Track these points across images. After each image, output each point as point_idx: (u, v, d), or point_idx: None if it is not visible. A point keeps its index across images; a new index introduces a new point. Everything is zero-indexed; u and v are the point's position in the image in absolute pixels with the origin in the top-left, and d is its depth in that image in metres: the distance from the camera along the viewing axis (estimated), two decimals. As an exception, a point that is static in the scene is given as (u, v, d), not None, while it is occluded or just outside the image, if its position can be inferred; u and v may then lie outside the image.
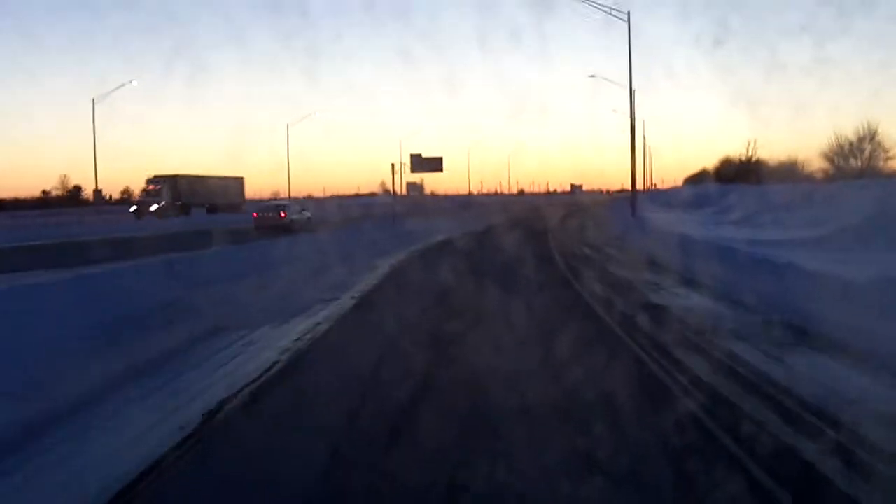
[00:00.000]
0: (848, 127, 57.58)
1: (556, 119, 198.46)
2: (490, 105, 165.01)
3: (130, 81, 43.95)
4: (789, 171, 44.00)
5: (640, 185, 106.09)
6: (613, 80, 48.62)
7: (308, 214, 31.53)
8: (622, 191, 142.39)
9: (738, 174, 60.09)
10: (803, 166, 47.22)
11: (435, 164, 74.05)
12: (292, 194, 60.42)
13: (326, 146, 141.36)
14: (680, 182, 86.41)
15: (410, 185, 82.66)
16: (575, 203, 75.36)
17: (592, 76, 59.91)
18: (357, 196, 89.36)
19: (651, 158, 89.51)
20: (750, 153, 57.88)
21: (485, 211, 50.26)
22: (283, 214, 29.11)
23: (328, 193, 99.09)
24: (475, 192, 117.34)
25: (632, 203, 29.37)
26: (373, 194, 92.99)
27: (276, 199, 43.36)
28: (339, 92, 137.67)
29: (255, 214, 30.39)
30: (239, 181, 66.49)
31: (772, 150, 58.78)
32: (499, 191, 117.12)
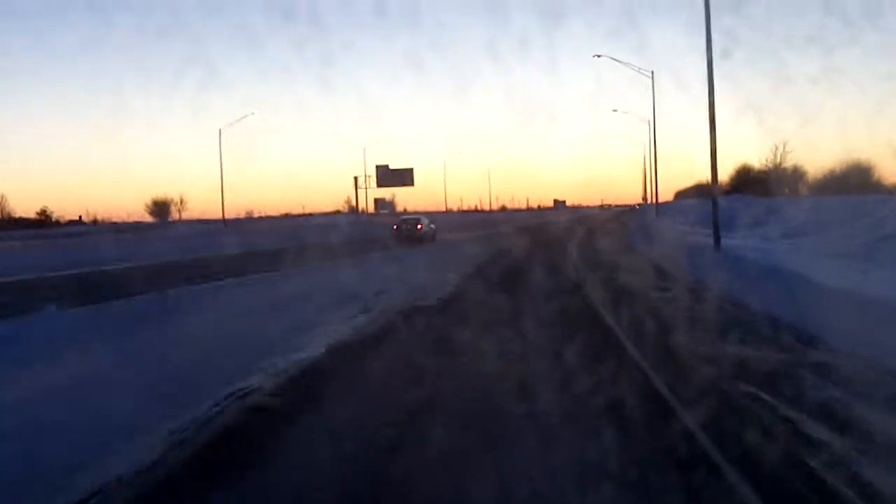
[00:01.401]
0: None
1: (538, 132, 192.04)
2: (469, 117, 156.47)
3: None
4: (856, 178, 35.30)
5: (638, 199, 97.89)
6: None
7: (433, 227, 34.65)
8: (615, 206, 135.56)
9: (756, 184, 52.23)
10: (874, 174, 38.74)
11: (405, 177, 65.08)
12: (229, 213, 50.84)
13: (286, 158, 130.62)
14: (671, 196, 79.49)
15: (379, 202, 73.33)
16: (584, 222, 60.01)
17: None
18: (307, 216, 79.23)
19: (654, 174, 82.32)
20: (778, 159, 49.43)
21: (464, 236, 36.81)
22: (419, 227, 32.18)
23: (280, 212, 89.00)
24: (454, 208, 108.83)
25: (714, 229, 19.35)
26: (336, 212, 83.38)
27: (412, 214, 49.68)
28: (297, 102, 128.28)
29: (394, 227, 33.27)
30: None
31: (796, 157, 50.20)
32: (479, 207, 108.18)
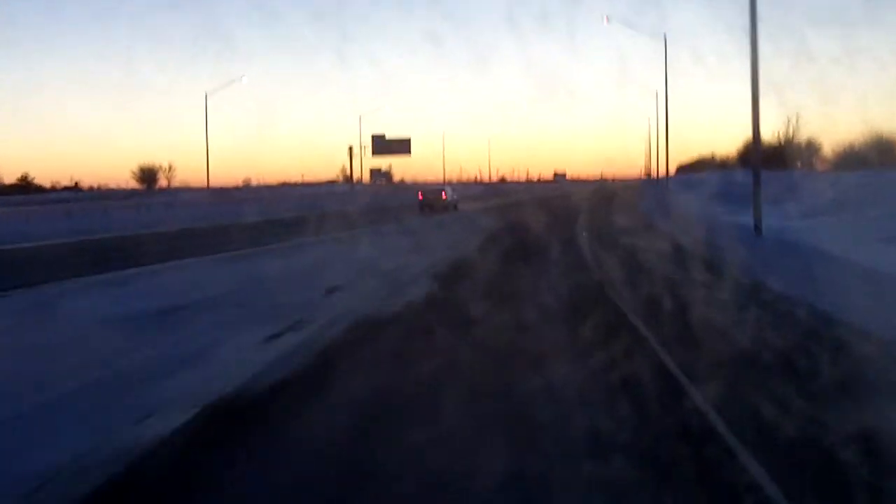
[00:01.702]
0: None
1: (536, 104, 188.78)
2: (469, 88, 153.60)
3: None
4: (878, 153, 33.55)
5: (639, 173, 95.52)
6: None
7: (456, 196, 34.95)
8: (615, 179, 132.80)
9: (768, 159, 50.34)
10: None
11: (401, 147, 62.73)
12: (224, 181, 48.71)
13: (284, 127, 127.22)
14: (672, 171, 77.03)
15: (375, 172, 71.08)
16: (597, 194, 54.41)
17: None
18: (304, 185, 76.95)
19: (665, 145, 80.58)
20: (791, 132, 47.55)
21: (471, 208, 33.96)
22: (444, 196, 32.60)
23: (276, 180, 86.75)
24: (454, 179, 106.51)
25: (755, 209, 16.30)
26: (332, 182, 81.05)
27: (437, 184, 51.59)
28: (300, 71, 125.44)
29: (420, 196, 33.47)
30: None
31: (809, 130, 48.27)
32: (479, 178, 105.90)
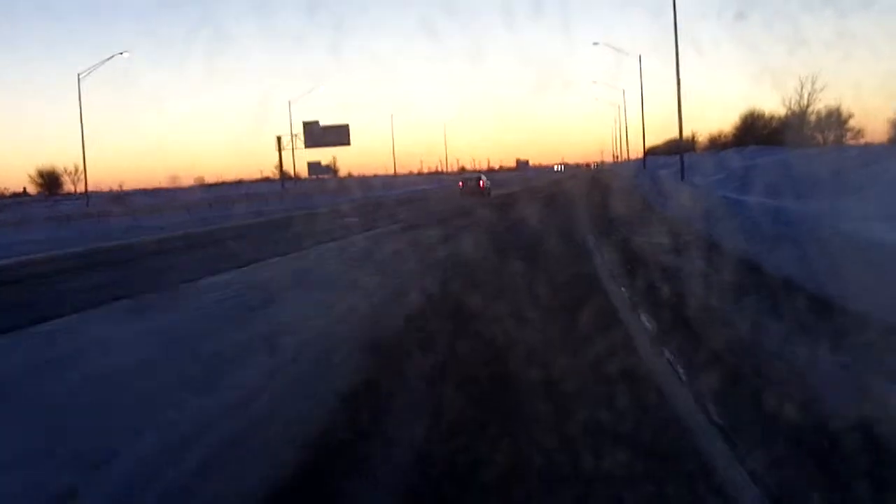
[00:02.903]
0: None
1: (491, 89, 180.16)
2: (413, 72, 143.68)
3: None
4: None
5: (599, 158, 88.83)
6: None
7: (489, 184, 36.66)
8: (597, 163, 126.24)
9: (770, 135, 42.54)
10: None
11: (339, 136, 53.42)
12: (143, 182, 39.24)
13: (210, 120, 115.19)
14: (640, 154, 70.41)
15: (314, 166, 61.56)
16: (580, 181, 48.88)
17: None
18: (225, 184, 66.69)
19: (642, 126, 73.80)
20: (805, 100, 39.36)
21: (428, 213, 24.04)
22: (481, 184, 34.66)
23: (203, 180, 76.39)
24: (412, 171, 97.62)
25: None
26: (266, 179, 71.18)
27: (475, 172, 58.28)
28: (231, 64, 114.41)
29: (460, 184, 35.94)
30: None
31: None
32: (440, 169, 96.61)
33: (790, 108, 40.19)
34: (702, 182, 21.50)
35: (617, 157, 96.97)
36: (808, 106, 40.07)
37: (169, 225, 23.58)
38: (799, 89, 40.15)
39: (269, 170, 75.57)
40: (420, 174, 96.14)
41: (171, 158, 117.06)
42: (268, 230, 19.96)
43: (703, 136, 63.52)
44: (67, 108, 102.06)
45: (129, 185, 67.43)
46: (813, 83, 39.86)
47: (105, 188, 65.49)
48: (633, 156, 72.83)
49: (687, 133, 66.48)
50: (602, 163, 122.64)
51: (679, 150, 30.14)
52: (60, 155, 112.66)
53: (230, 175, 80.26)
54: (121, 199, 42.26)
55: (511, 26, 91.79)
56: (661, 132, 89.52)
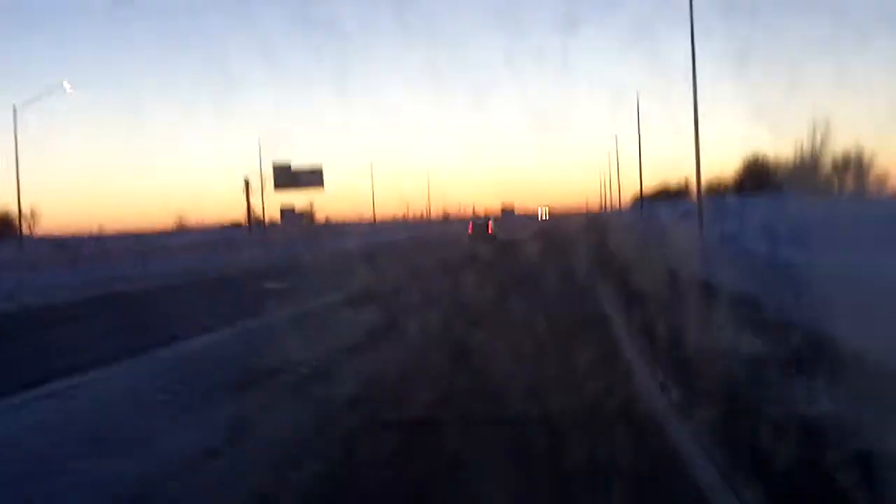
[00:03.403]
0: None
1: (481, 133, 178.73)
2: (408, 116, 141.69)
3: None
4: None
5: (596, 205, 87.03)
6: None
7: (498, 229, 38.25)
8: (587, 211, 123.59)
9: (774, 181, 39.66)
10: None
11: (312, 179, 49.85)
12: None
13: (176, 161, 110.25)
14: (628, 202, 67.68)
15: (288, 213, 57.67)
16: (587, 232, 39.21)
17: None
18: (185, 231, 62.37)
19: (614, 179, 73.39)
20: (818, 143, 36.37)
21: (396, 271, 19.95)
22: (490, 230, 36.16)
23: (155, 227, 72.12)
24: (397, 216, 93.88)
25: None
26: (235, 225, 67.12)
27: (483, 217, 61.97)
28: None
29: (469, 230, 36.92)
30: None
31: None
32: (425, 215, 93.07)
33: (801, 152, 37.25)
34: (727, 234, 17.85)
35: (605, 207, 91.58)
36: (821, 148, 37.24)
37: (59, 284, 18.95)
38: (811, 131, 37.33)
39: (235, 214, 71.45)
40: (405, 219, 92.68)
41: (132, 201, 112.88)
42: (157, 301, 15.57)
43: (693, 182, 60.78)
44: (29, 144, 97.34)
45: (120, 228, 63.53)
46: (827, 124, 37.11)
47: (85, 232, 61.98)
48: (622, 204, 69.97)
49: (679, 179, 63.96)
50: (589, 212, 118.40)
51: (696, 194, 26.59)
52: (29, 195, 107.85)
53: (215, 218, 76.29)
54: (64, 246, 38.04)
55: (509, 72, 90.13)
56: (649, 178, 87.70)
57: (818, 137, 37.62)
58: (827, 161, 37.32)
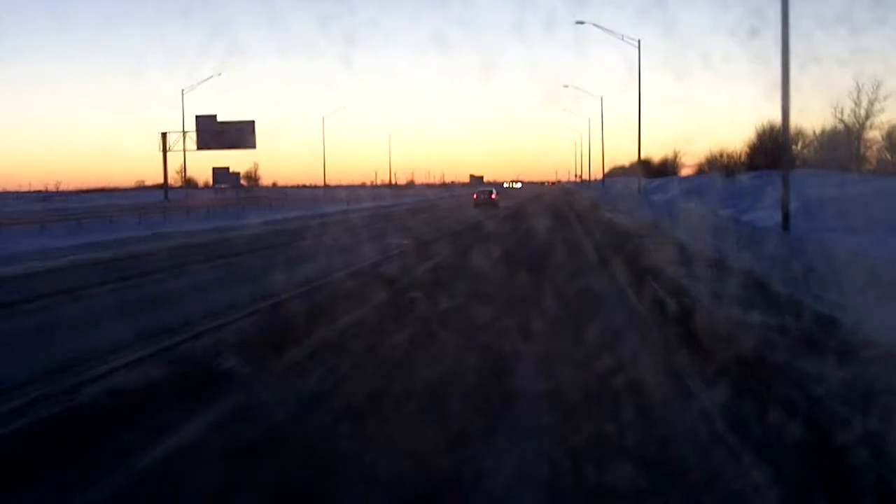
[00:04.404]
0: None
1: (442, 103, 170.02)
2: (365, 74, 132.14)
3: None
4: None
5: (553, 177, 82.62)
6: None
7: (498, 195, 42.77)
8: (538, 182, 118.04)
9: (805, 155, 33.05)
10: None
11: (240, 136, 41.73)
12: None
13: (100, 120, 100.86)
14: (599, 175, 63.07)
15: (220, 173, 49.70)
16: (565, 203, 43.73)
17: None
18: (95, 192, 54.05)
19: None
20: (863, 111, 29.73)
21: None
22: (493, 196, 39.94)
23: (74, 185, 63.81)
24: (366, 182, 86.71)
25: None
26: (161, 186, 58.67)
27: (487, 185, 69.99)
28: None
29: (475, 196, 41.32)
30: None
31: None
32: (382, 181, 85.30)
33: (841, 121, 30.51)
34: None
35: (580, 177, 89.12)
36: (866, 119, 30.52)
37: None
38: (856, 96, 30.66)
39: (157, 176, 62.57)
40: (373, 186, 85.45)
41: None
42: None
43: (686, 158, 55.00)
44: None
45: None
46: (877, 89, 30.50)
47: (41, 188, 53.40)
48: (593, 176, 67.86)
49: (667, 154, 57.21)
50: (559, 182, 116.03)
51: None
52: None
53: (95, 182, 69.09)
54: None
55: (504, 38, 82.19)
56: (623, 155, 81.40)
57: (862, 104, 30.99)
58: (870, 132, 30.64)
